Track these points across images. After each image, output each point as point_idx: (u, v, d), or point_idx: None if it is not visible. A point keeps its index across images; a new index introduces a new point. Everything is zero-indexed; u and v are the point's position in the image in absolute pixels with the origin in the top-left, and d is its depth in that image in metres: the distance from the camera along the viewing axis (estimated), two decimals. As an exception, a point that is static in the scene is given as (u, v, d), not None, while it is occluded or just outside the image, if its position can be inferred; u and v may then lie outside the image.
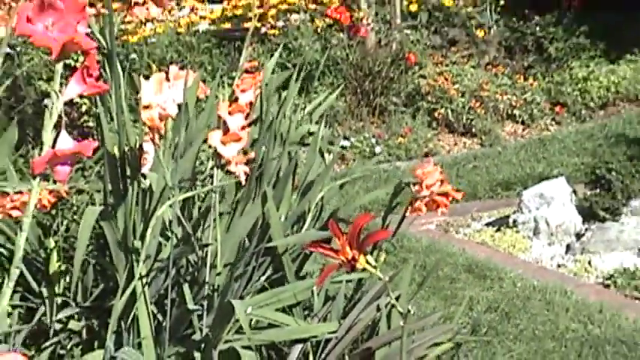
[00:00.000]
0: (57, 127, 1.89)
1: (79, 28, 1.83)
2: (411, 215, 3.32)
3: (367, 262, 2.33)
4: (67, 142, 1.86)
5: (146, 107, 3.05)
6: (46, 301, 3.53)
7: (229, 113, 3.24)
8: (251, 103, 3.47)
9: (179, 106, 3.18)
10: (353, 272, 2.36)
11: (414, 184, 3.32)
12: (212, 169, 3.36)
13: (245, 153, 3.32)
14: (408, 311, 2.49)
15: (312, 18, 11.41)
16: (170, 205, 3.33)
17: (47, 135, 1.86)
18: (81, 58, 1.89)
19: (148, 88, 3.02)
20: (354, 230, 2.32)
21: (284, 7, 12.03)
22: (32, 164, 1.84)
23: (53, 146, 1.84)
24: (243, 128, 3.25)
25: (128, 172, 3.43)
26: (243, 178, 3.34)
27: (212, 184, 3.38)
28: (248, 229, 3.57)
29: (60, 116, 1.87)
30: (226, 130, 3.23)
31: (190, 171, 3.56)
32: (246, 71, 3.51)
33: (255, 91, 3.48)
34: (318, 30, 10.93)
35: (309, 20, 11.32)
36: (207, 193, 3.48)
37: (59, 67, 1.90)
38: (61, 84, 1.89)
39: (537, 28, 12.45)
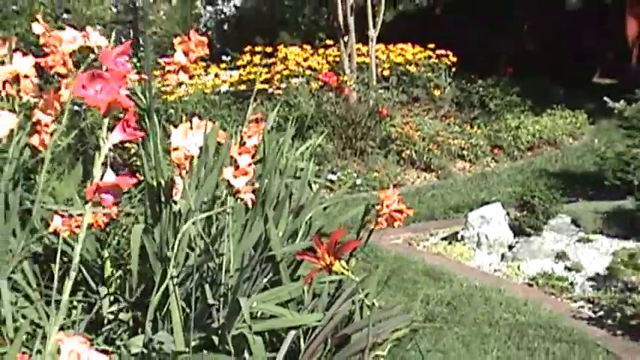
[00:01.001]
0: (105, 165, 1.93)
1: (120, 92, 1.87)
2: (379, 230, 3.34)
3: (342, 266, 2.36)
4: (110, 177, 1.89)
5: (175, 149, 3.08)
6: (102, 297, 3.55)
7: (239, 154, 3.27)
8: (256, 146, 3.49)
9: (200, 148, 3.22)
10: (332, 274, 2.39)
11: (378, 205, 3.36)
12: (226, 196, 3.38)
13: (252, 184, 3.35)
14: (373, 304, 2.52)
15: (308, 81, 11.45)
16: (193, 224, 3.36)
17: (96, 171, 1.90)
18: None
19: (176, 134, 3.05)
20: (330, 242, 2.35)
21: (286, 72, 12.06)
22: (85, 193, 1.87)
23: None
24: (249, 165, 3.28)
25: (163, 199, 3.46)
26: (250, 204, 3.37)
27: (226, 207, 3.40)
28: (254, 242, 3.59)
29: (106, 156, 1.90)
30: (237, 167, 3.26)
31: (210, 197, 3.59)
32: (254, 121, 3.53)
33: (259, 137, 3.50)
34: (313, 90, 10.96)
35: (306, 82, 11.36)
36: (222, 215, 3.49)
37: (106, 120, 1.94)
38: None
39: (481, 89, 12.50)
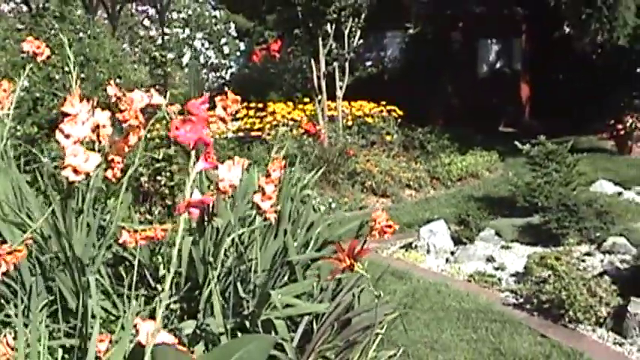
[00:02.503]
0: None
1: (203, 132, 1.88)
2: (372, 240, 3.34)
3: (358, 266, 2.38)
4: (196, 196, 1.89)
5: (221, 180, 3.06)
6: (159, 292, 3.52)
7: (266, 183, 3.27)
8: (278, 178, 3.48)
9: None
10: (351, 272, 2.38)
11: (371, 222, 3.36)
12: (254, 215, 3.38)
13: (275, 206, 3.34)
14: (379, 295, 2.52)
15: (292, 129, 11.46)
16: (232, 239, 3.35)
17: (187, 191, 1.89)
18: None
19: (222, 169, 3.03)
20: (350, 248, 2.36)
21: (274, 122, 12.08)
22: (177, 207, 1.87)
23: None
24: (273, 192, 3.28)
25: (206, 218, 3.46)
26: (273, 221, 3.36)
27: (255, 226, 3.40)
28: (275, 250, 3.58)
29: (194, 180, 1.90)
30: (263, 193, 3.25)
31: (242, 216, 3.58)
32: (277, 159, 3.51)
33: (281, 171, 3.49)
34: (296, 136, 10.97)
35: (290, 130, 11.37)
36: (252, 229, 3.48)
37: (193, 153, 1.94)
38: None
39: (420, 135, 12.56)
